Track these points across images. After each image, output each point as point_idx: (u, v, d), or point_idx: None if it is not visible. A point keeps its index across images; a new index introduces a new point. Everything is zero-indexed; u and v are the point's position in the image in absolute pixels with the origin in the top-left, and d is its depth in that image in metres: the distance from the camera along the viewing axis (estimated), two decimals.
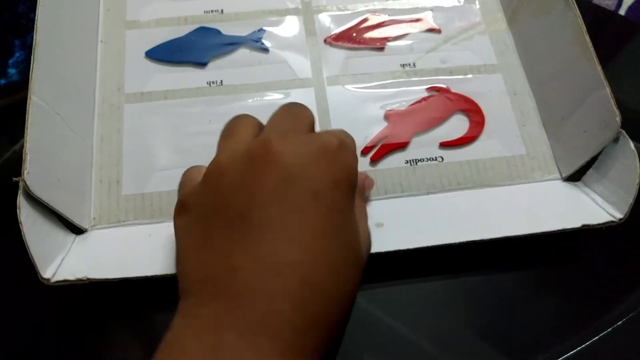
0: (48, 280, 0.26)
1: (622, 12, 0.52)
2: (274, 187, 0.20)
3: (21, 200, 0.26)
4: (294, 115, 0.25)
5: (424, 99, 0.35)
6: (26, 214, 0.26)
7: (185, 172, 0.26)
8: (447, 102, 0.35)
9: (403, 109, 0.34)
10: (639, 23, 0.44)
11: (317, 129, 0.32)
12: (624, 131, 0.29)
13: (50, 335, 0.30)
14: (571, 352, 0.29)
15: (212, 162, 0.23)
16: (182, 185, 0.26)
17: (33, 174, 0.26)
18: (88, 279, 0.26)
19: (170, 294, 0.22)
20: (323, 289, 0.20)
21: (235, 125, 0.25)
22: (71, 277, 0.26)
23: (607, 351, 0.30)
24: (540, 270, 0.32)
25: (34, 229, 0.26)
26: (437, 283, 0.32)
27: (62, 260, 0.28)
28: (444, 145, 0.33)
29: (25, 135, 0.27)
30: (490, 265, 0.32)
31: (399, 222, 0.30)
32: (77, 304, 0.30)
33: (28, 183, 0.25)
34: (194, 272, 0.21)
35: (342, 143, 0.22)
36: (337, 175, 0.22)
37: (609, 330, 0.30)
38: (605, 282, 0.32)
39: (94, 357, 0.29)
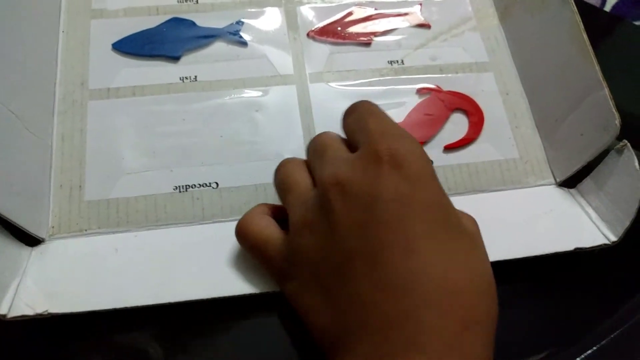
0: (4, 316, 0.23)
1: (607, 8, 0.51)
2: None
3: None
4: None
5: (420, 105, 0.33)
6: None
7: (246, 226, 0.25)
8: (441, 104, 0.33)
9: (401, 121, 0.32)
10: (625, 19, 0.43)
11: (301, 140, 0.31)
12: (629, 144, 0.27)
13: None
14: None
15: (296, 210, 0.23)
16: (259, 246, 0.24)
17: None
18: (49, 313, 0.23)
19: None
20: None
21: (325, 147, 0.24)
22: (29, 312, 0.23)
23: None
24: (532, 276, 0.31)
25: None
26: None
27: (18, 286, 0.24)
28: (449, 148, 0.31)
29: None
30: None
31: None
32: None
33: None
34: (332, 327, 0.20)
35: None
36: None
37: (604, 342, 0.29)
38: (599, 290, 0.31)
39: None
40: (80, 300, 0.24)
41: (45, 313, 0.23)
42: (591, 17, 0.43)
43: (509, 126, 0.33)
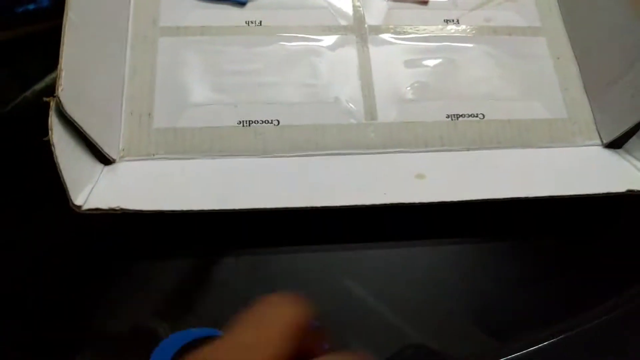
0: (79, 207, 0.25)
1: None
2: None
3: (53, 120, 0.24)
4: None
5: None
6: (58, 136, 0.24)
7: None
8: None
9: None
10: None
11: (358, 88, 0.32)
12: None
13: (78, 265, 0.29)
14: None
15: None
16: None
17: (67, 91, 0.24)
18: (121, 209, 0.25)
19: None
20: None
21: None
22: (103, 206, 0.25)
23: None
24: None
25: (65, 153, 0.25)
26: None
27: (92, 189, 0.26)
28: None
29: (60, 51, 0.25)
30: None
31: (440, 176, 0.29)
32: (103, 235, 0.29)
33: (62, 100, 0.24)
34: None
35: None
36: None
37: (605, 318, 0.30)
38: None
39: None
40: (150, 202, 0.25)
41: (118, 209, 0.25)
42: None
43: (559, 88, 0.34)
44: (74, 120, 0.25)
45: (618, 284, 0.31)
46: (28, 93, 0.37)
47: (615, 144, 0.32)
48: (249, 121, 0.30)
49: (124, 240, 0.29)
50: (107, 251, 0.29)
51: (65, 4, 0.26)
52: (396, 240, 0.31)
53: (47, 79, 0.37)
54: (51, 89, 0.24)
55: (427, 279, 0.30)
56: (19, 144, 0.33)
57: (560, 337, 0.29)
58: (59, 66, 0.25)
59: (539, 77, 0.34)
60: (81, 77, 0.26)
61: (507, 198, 0.28)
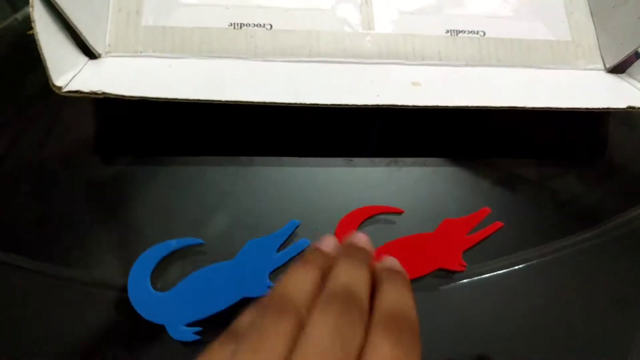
0: (60, 88, 0.24)
1: None
2: None
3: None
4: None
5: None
6: (39, 14, 0.23)
7: None
8: None
9: None
10: None
11: None
12: None
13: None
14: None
15: None
16: None
17: None
18: (104, 93, 0.24)
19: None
20: None
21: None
22: (84, 89, 0.24)
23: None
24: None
25: (47, 32, 0.24)
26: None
27: (75, 76, 0.25)
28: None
29: None
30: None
31: (436, 85, 0.28)
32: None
33: None
34: None
35: None
36: None
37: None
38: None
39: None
40: (134, 89, 0.24)
41: (100, 92, 0.24)
42: None
43: (564, 11, 0.33)
44: (56, 3, 0.24)
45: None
46: (18, 15, 0.36)
47: (618, 69, 0.31)
48: (241, 24, 0.29)
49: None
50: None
51: None
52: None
53: None
54: None
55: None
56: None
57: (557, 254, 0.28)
58: None
59: None
60: None
61: (503, 107, 0.27)
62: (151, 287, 0.26)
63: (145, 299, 0.26)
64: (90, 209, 0.28)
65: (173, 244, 0.27)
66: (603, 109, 0.27)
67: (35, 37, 0.23)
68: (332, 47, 0.29)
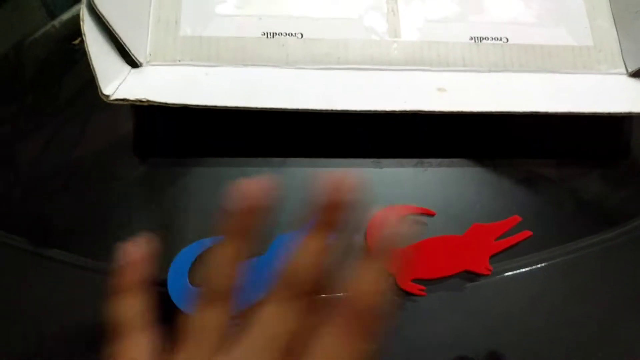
0: (108, 97, 0.26)
1: None
2: None
3: (84, 13, 0.25)
4: None
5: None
6: (89, 26, 0.25)
7: None
8: None
9: None
10: None
11: (383, 4, 0.31)
12: None
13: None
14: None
15: None
16: None
17: None
18: (148, 100, 0.26)
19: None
20: None
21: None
22: (130, 97, 0.26)
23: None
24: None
25: (96, 44, 0.26)
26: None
27: (120, 84, 0.27)
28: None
29: None
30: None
31: (461, 90, 0.29)
32: None
33: None
34: None
35: None
36: None
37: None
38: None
39: None
40: (176, 97, 0.26)
41: (144, 100, 0.26)
42: None
43: (587, 17, 0.33)
44: (102, 15, 0.26)
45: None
46: (55, 22, 0.38)
47: (639, 75, 0.32)
48: (273, 33, 0.31)
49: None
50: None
51: None
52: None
53: (74, 10, 0.37)
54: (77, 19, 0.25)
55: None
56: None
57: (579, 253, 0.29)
58: None
59: (566, 4, 0.33)
60: None
61: (526, 112, 0.28)
62: (189, 283, 0.28)
63: (185, 294, 0.27)
64: (132, 207, 0.30)
65: (209, 242, 0.29)
66: (625, 113, 0.28)
67: (86, 49, 0.25)
68: (360, 55, 0.31)
